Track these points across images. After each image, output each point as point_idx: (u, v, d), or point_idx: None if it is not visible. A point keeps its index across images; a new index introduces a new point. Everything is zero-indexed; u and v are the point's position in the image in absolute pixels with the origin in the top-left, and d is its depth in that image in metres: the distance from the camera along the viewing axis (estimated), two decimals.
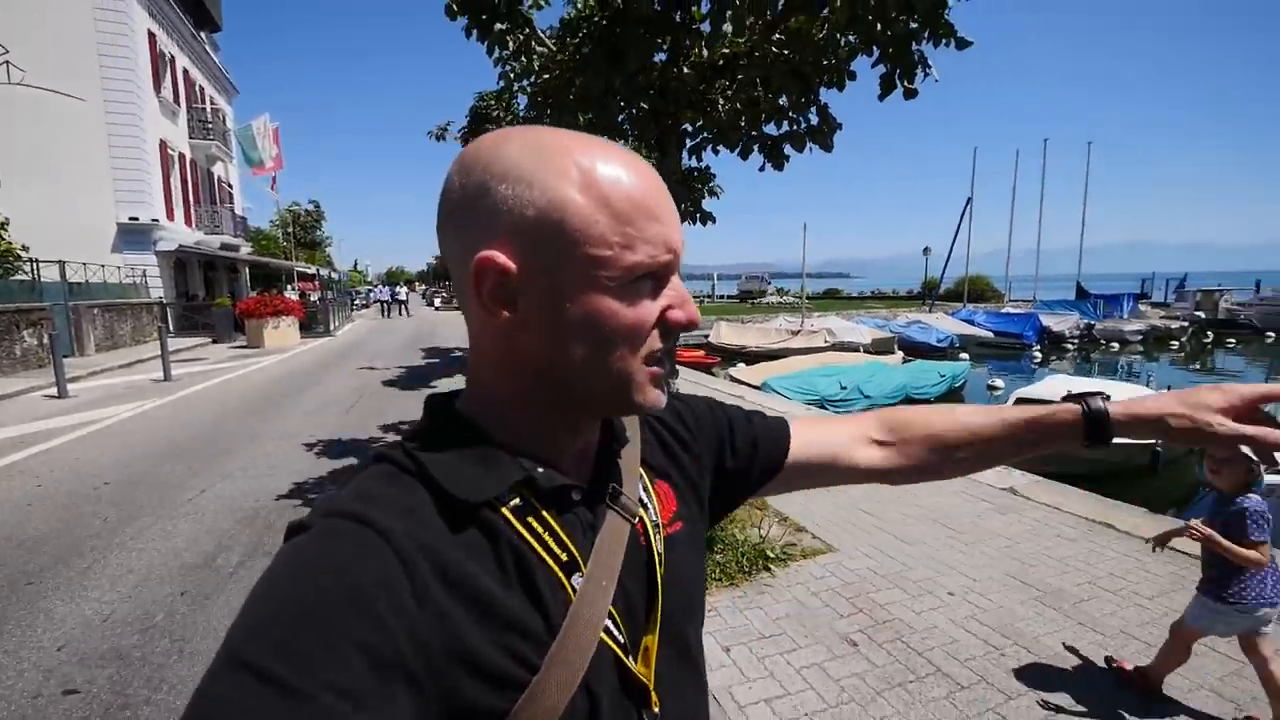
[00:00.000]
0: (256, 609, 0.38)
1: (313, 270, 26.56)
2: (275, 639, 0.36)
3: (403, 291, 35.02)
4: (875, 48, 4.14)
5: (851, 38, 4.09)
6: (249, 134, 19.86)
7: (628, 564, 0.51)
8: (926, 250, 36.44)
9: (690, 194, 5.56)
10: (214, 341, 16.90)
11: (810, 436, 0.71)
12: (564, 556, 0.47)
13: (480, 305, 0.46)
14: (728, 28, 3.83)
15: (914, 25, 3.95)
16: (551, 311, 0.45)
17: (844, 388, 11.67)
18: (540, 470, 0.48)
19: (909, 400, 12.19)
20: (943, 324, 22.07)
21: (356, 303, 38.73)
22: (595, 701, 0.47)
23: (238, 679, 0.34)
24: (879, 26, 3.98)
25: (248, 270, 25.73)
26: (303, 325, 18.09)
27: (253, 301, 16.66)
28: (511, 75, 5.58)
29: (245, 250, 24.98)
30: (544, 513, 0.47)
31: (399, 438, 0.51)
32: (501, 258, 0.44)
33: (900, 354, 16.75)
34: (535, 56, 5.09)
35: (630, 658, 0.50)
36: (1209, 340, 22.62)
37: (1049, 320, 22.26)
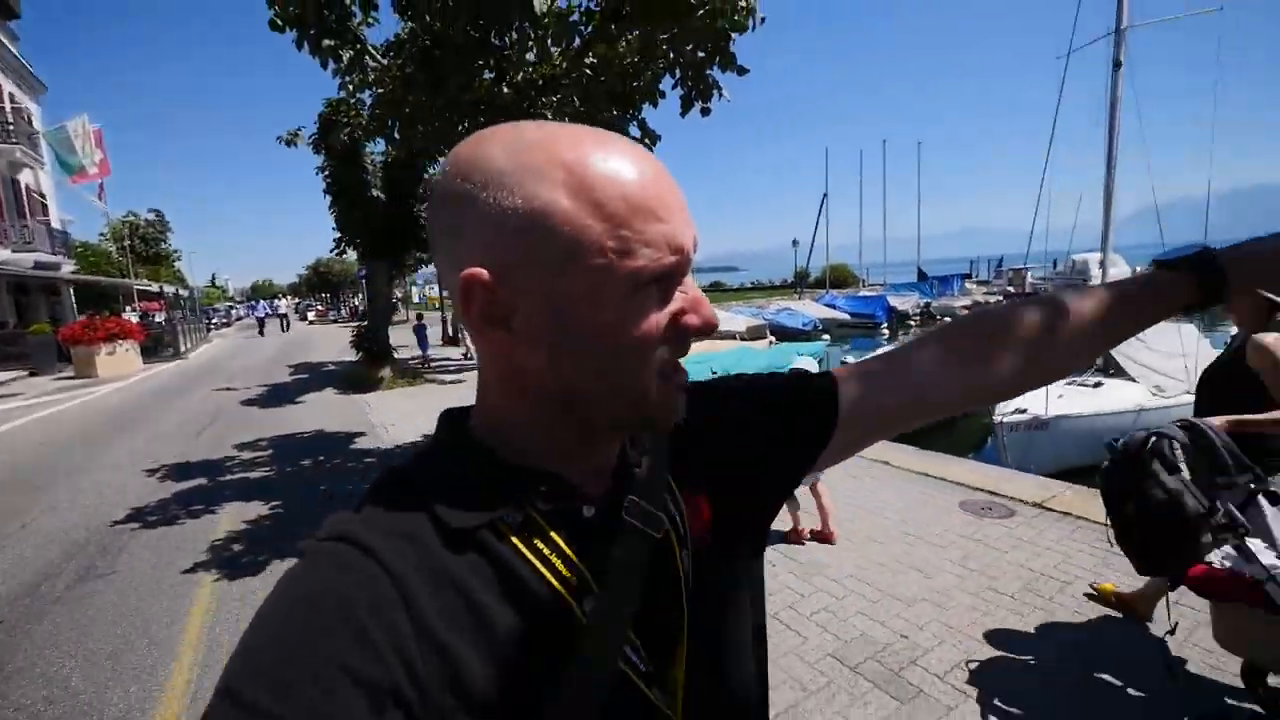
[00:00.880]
0: (251, 637, 0.38)
1: (156, 288, 23.92)
2: (264, 668, 0.36)
3: (282, 305, 33.36)
4: (678, 70, 4.81)
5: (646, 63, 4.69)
6: (64, 136, 17.60)
7: (653, 585, 0.47)
8: (795, 243, 39.55)
9: None
10: (32, 374, 14.86)
11: (871, 382, 0.62)
12: (573, 579, 0.44)
13: (471, 325, 0.44)
14: (531, 56, 4.29)
15: (702, 55, 4.64)
16: (549, 329, 0.42)
17: (714, 373, 12.60)
18: (544, 489, 0.46)
19: None
20: (808, 309, 24.28)
21: (215, 321, 35.38)
22: None
23: (228, 712, 0.35)
24: (671, 55, 4.63)
25: (72, 291, 22.67)
26: (146, 349, 16.40)
27: (79, 326, 14.85)
28: (351, 86, 5.69)
29: (68, 269, 21.97)
30: (551, 533, 0.45)
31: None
32: (486, 275, 0.41)
33: (770, 339, 18.25)
34: (370, 70, 5.26)
35: (654, 688, 0.46)
36: None
37: (895, 301, 25.25)
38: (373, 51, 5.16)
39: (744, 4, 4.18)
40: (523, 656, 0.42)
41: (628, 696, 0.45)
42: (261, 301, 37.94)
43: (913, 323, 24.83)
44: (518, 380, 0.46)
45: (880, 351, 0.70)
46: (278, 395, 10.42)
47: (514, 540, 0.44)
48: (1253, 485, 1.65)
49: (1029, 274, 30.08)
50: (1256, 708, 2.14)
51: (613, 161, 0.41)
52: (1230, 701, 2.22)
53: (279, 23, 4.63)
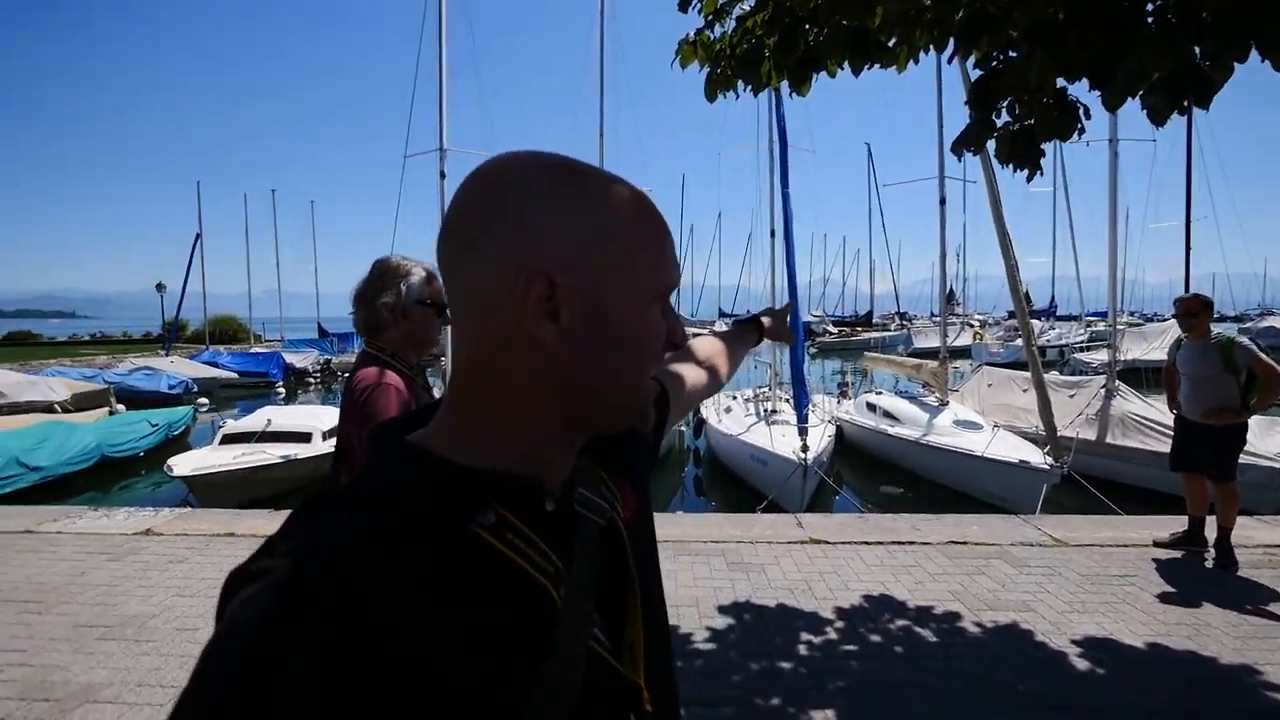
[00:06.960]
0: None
1: None
2: None
3: None
4: None
5: None
6: None
7: (606, 563, 0.52)
8: (160, 287, 31.85)
9: None
10: None
11: (677, 387, 0.87)
12: (549, 568, 0.46)
13: (522, 316, 0.46)
14: None
15: None
16: (598, 325, 0.47)
17: None
18: (510, 489, 0.47)
19: (105, 461, 10.21)
20: (178, 369, 19.98)
21: None
22: (587, 711, 0.45)
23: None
24: None
25: None
26: None
27: None
28: None
29: None
30: (523, 528, 0.46)
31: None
32: (550, 269, 0.45)
33: (117, 407, 14.02)
34: None
35: (617, 658, 0.50)
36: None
37: (292, 358, 23.83)
38: None
39: None
40: (512, 648, 0.42)
41: (599, 669, 0.48)
42: None
43: (311, 380, 24.01)
44: (542, 378, 0.47)
45: (670, 362, 0.94)
46: None
47: (490, 540, 0.45)
48: None
49: None
50: None
51: (643, 194, 0.50)
52: None
53: None
